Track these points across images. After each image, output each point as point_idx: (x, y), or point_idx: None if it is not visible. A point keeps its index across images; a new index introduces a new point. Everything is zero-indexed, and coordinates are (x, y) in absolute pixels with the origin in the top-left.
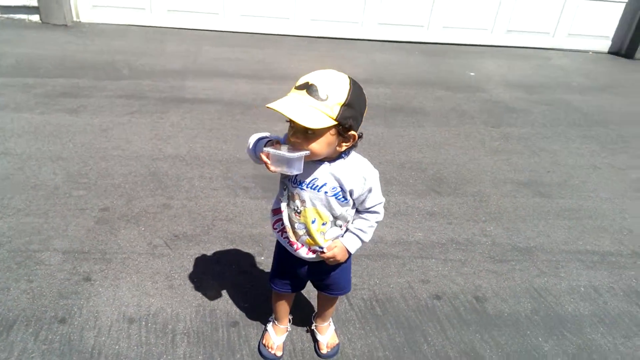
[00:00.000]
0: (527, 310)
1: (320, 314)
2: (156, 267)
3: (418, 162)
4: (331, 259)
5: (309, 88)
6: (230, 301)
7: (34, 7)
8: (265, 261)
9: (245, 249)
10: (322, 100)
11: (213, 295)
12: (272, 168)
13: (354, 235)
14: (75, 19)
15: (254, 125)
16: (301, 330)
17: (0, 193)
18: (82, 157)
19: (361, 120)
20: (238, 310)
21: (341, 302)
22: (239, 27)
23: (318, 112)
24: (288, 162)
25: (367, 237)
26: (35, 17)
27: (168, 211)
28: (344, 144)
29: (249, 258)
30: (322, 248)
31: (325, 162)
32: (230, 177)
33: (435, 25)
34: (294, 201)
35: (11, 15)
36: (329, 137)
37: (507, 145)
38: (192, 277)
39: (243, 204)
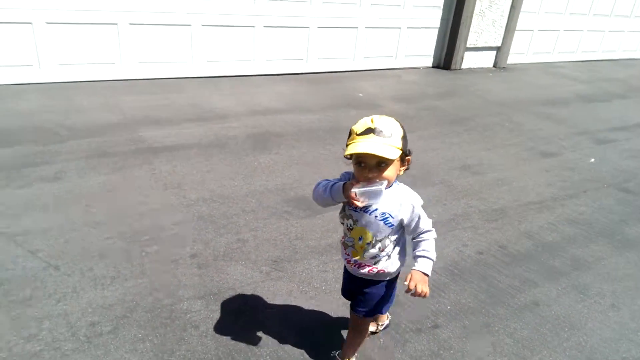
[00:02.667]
0: (531, 245)
1: (346, 344)
2: (290, 286)
3: None
4: (417, 291)
5: (374, 131)
6: None
7: None
8: None
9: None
10: (388, 137)
11: None
12: (362, 204)
13: (424, 258)
14: None
15: (243, 160)
16: None
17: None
18: (121, 217)
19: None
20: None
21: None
22: (138, 75)
23: (390, 147)
24: (377, 194)
25: (433, 255)
26: None
27: (247, 245)
28: (402, 168)
29: None
30: (356, 260)
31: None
32: (267, 206)
33: (312, 57)
34: (348, 219)
35: None
36: (396, 164)
37: (429, 144)
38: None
39: (299, 224)
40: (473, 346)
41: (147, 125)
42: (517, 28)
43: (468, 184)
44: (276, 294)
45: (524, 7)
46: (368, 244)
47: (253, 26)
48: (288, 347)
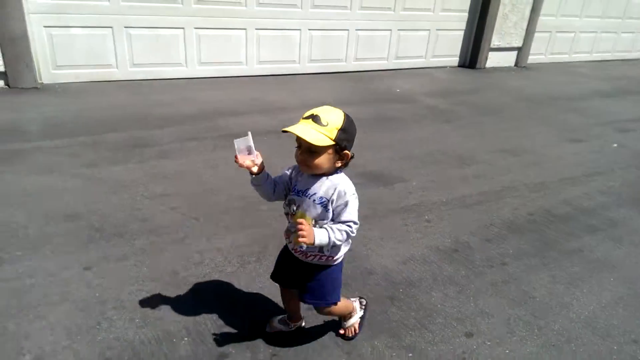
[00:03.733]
0: (571, 210)
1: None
2: None
3: (442, 151)
4: (298, 230)
5: (314, 118)
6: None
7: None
8: None
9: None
10: (323, 125)
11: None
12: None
13: (324, 229)
14: (39, 81)
15: None
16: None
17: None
18: (228, 185)
19: (352, 144)
20: None
21: (490, 228)
22: (199, 74)
23: (321, 134)
24: (243, 143)
25: (333, 236)
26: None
27: None
28: (339, 161)
29: None
30: (300, 248)
31: (322, 177)
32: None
33: (350, 58)
34: (289, 206)
35: None
36: (328, 155)
37: (467, 132)
38: None
39: (373, 192)
40: (535, 277)
41: (222, 116)
42: (536, 30)
43: (509, 164)
44: (370, 239)
45: (544, 10)
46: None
47: (299, 29)
48: (394, 274)
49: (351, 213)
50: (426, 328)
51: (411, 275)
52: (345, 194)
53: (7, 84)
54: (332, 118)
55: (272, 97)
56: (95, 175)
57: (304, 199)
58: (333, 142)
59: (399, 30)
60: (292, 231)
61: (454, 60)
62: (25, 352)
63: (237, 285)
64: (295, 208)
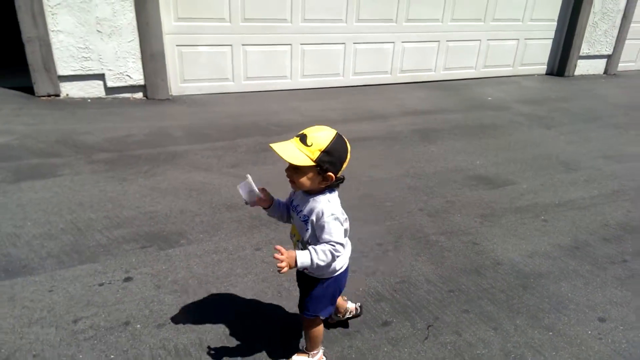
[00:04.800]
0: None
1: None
2: None
3: (545, 156)
4: (278, 259)
5: (301, 137)
6: None
7: (139, 86)
8: None
9: None
10: (307, 146)
11: None
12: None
13: (307, 251)
14: (170, 93)
15: (417, 148)
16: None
17: None
18: (353, 185)
19: (340, 167)
20: None
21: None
22: (302, 85)
23: (302, 153)
24: (244, 188)
25: (316, 258)
26: (138, 95)
27: (454, 205)
28: (323, 182)
29: None
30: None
31: (310, 195)
32: (455, 181)
33: (439, 67)
34: (291, 219)
35: (116, 95)
36: (310, 175)
37: (569, 138)
38: None
39: (487, 193)
40: None
41: (329, 123)
42: (627, 37)
43: (615, 169)
44: (494, 235)
45: (635, 17)
46: (298, 241)
47: (393, 42)
48: (521, 266)
49: (332, 234)
50: (561, 312)
51: (538, 268)
52: (322, 215)
53: (145, 95)
54: (318, 139)
55: (370, 105)
56: (240, 174)
57: (295, 214)
58: (313, 163)
59: (488, 40)
60: (291, 240)
61: (542, 69)
62: (233, 310)
63: (381, 267)
64: (292, 221)
